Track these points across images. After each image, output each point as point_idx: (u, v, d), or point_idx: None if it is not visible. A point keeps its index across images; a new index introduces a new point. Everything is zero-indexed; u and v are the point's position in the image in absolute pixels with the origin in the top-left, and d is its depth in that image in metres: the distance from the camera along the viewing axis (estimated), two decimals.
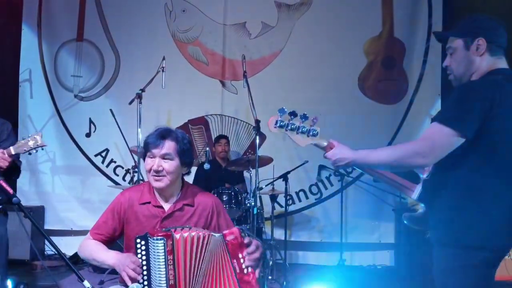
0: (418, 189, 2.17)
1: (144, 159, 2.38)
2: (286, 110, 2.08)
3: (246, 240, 2.20)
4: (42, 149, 3.17)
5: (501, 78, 1.95)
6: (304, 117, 2.08)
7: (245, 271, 2.17)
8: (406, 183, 2.22)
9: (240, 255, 2.17)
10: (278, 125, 2.08)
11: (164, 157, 2.28)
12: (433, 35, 2.29)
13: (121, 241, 2.43)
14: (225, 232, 2.19)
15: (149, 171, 2.31)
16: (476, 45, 1.99)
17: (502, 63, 2.01)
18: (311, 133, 2.08)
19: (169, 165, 2.28)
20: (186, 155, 2.34)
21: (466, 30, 2.04)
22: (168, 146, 2.29)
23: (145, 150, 2.35)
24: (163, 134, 2.31)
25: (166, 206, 2.36)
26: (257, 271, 2.20)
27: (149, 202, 2.35)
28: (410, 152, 1.93)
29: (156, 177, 2.29)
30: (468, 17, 2.10)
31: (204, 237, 2.14)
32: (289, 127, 2.08)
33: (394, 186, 2.23)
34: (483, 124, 1.87)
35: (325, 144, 2.08)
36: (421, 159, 1.90)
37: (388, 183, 2.23)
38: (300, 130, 2.08)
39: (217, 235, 2.18)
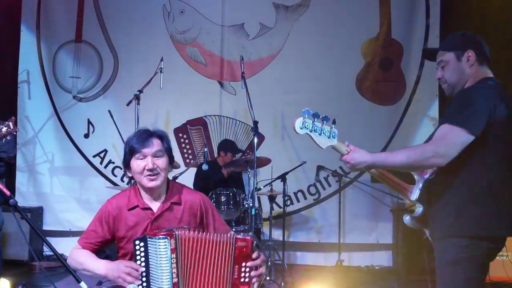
0: (415, 190, 2.28)
1: (128, 165, 2.35)
2: (310, 111, 2.11)
3: (254, 255, 2.20)
4: (16, 133, 3.16)
5: (495, 84, 2.17)
6: (325, 118, 2.12)
7: (242, 279, 2.17)
8: (404, 185, 2.33)
9: (243, 263, 2.17)
10: (304, 126, 2.10)
11: (156, 154, 2.30)
12: (423, 52, 2.48)
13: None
14: (239, 236, 2.19)
15: (142, 172, 2.29)
16: (466, 56, 2.20)
17: (490, 73, 2.23)
18: (331, 135, 2.13)
19: (162, 161, 2.31)
20: (171, 152, 2.39)
21: (455, 44, 2.26)
22: (157, 143, 2.32)
23: (131, 154, 2.32)
24: (149, 133, 2.34)
25: (155, 207, 2.36)
26: (255, 285, 2.20)
27: (137, 206, 2.35)
28: (428, 153, 2.06)
29: (152, 176, 2.29)
30: (455, 34, 2.31)
31: (213, 240, 2.15)
32: (313, 129, 2.11)
33: (394, 188, 2.33)
34: (488, 123, 2.02)
35: (346, 151, 2.13)
36: (438, 159, 2.04)
37: (390, 185, 2.34)
38: (323, 132, 2.12)
39: (230, 236, 2.19)
